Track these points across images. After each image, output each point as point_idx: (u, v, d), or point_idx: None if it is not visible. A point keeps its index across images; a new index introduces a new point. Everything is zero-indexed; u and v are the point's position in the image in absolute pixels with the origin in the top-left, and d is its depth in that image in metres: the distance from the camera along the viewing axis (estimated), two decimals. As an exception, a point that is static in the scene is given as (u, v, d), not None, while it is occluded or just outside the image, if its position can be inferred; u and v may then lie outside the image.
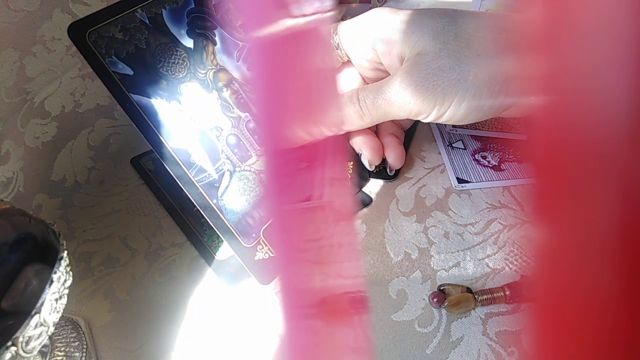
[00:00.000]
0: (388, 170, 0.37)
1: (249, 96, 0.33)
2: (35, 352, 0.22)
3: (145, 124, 0.29)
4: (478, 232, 0.34)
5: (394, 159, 0.36)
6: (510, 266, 0.32)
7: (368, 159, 0.36)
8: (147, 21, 0.29)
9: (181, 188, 0.29)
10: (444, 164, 0.39)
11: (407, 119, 0.39)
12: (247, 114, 0.33)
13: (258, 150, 0.33)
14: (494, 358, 0.27)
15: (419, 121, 0.41)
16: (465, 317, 0.29)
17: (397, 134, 0.37)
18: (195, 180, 0.30)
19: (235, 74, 0.33)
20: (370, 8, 0.55)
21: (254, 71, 0.13)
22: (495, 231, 0.34)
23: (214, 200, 0.30)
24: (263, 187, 0.32)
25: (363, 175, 0.37)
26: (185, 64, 0.31)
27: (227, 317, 0.31)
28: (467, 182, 0.37)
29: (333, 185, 0.18)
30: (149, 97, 0.29)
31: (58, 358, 0.27)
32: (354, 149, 0.37)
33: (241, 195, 0.31)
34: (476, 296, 0.29)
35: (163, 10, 0.30)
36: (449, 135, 0.41)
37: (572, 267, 0.10)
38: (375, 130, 0.38)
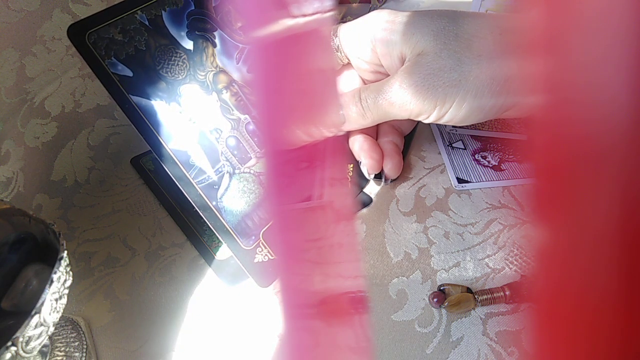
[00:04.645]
0: (383, 180, 0.37)
1: (248, 98, 0.33)
2: (35, 352, 0.22)
3: (144, 126, 0.29)
4: (478, 232, 0.34)
5: (390, 168, 0.36)
6: (510, 266, 0.32)
7: (367, 168, 0.36)
8: (147, 23, 0.29)
9: (180, 189, 0.29)
10: (444, 164, 0.39)
11: (407, 124, 0.39)
12: (246, 116, 0.33)
13: (257, 152, 0.33)
14: (494, 358, 0.27)
15: (417, 126, 0.41)
16: (465, 317, 0.29)
17: (396, 141, 0.37)
18: (195, 182, 0.30)
19: (235, 76, 0.33)
20: (371, 8, 0.56)
21: (254, 72, 0.13)
22: (495, 231, 0.34)
23: (213, 202, 0.30)
24: (263, 187, 0.32)
25: (364, 175, 0.38)
26: (185, 65, 0.31)
27: (227, 317, 0.31)
28: (467, 182, 0.37)
29: (333, 186, 0.18)
30: (149, 99, 0.29)
31: (58, 358, 0.27)
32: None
33: (240, 197, 0.31)
34: (476, 296, 0.29)
35: (163, 12, 0.30)
36: (449, 135, 0.41)
37: (572, 267, 0.10)
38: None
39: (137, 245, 0.35)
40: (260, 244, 0.31)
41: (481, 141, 0.41)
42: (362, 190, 0.37)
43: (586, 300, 0.09)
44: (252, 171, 0.32)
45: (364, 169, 0.36)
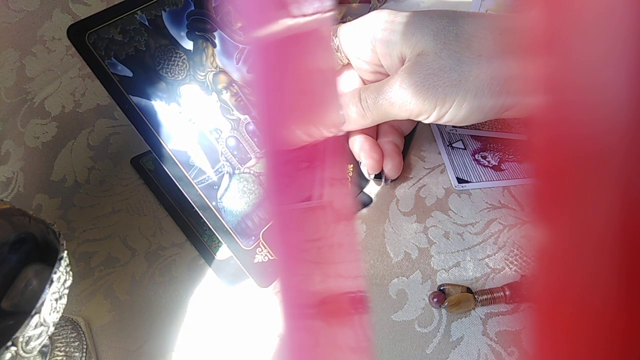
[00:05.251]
0: (383, 180, 0.37)
1: (248, 99, 0.33)
2: (35, 352, 0.22)
3: (144, 126, 0.29)
4: (478, 232, 0.34)
5: (390, 168, 0.36)
6: (510, 266, 0.32)
7: (367, 169, 0.36)
8: (146, 23, 0.29)
9: (180, 189, 0.29)
10: (444, 164, 0.39)
11: (407, 124, 0.39)
12: (246, 116, 0.33)
13: (257, 153, 0.33)
14: (494, 358, 0.27)
15: (417, 126, 0.41)
16: (465, 317, 0.29)
17: (396, 142, 0.37)
18: (195, 182, 0.30)
19: (235, 76, 0.33)
20: (371, 8, 0.56)
21: (254, 72, 0.13)
22: (495, 231, 0.34)
23: (213, 202, 0.30)
24: (263, 188, 0.32)
25: (364, 175, 0.38)
26: (184, 66, 0.31)
27: (227, 317, 0.31)
28: (467, 182, 0.37)
29: (333, 186, 0.18)
30: (148, 99, 0.29)
31: (58, 358, 0.27)
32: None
33: (240, 197, 0.31)
34: (476, 296, 0.29)
35: (163, 12, 0.30)
36: (449, 135, 0.41)
37: (572, 267, 0.10)
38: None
39: (137, 245, 0.35)
40: (260, 244, 0.31)
41: (481, 141, 0.41)
42: (362, 190, 0.37)
43: (586, 300, 0.09)
44: (252, 171, 0.32)
45: (364, 169, 0.36)
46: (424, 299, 0.30)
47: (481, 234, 0.34)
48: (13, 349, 0.20)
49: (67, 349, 0.28)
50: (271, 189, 0.13)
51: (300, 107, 0.17)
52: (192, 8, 0.31)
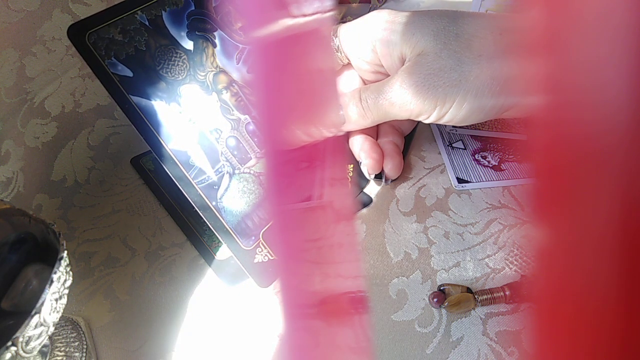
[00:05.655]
0: (383, 180, 0.37)
1: (248, 99, 0.33)
2: (35, 352, 0.22)
3: (144, 126, 0.29)
4: (478, 232, 0.34)
5: (390, 168, 0.36)
6: (510, 266, 0.32)
7: (367, 169, 0.36)
8: (147, 23, 0.29)
9: (180, 189, 0.29)
10: (444, 164, 0.39)
11: (407, 124, 0.39)
12: (246, 116, 0.33)
13: (257, 153, 0.33)
14: (494, 358, 0.27)
15: (417, 126, 0.41)
16: (465, 317, 0.29)
17: (396, 142, 0.37)
18: (195, 182, 0.30)
19: (235, 76, 0.33)
20: (371, 8, 0.56)
21: (254, 72, 0.13)
22: (495, 231, 0.34)
23: (213, 202, 0.30)
24: (263, 188, 0.32)
25: (364, 175, 0.38)
26: (185, 66, 0.31)
27: (227, 317, 0.31)
28: (467, 182, 0.37)
29: (333, 186, 0.18)
30: (149, 99, 0.29)
31: (58, 358, 0.27)
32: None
33: (240, 197, 0.31)
34: (476, 296, 0.29)
35: (163, 12, 0.30)
36: (449, 135, 0.41)
37: (572, 267, 0.10)
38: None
39: (137, 245, 0.35)
40: (260, 244, 0.31)
41: (481, 141, 0.41)
42: (362, 190, 0.37)
43: (587, 300, 0.09)
44: (252, 171, 0.32)
45: (364, 169, 0.36)
46: (424, 299, 0.30)
47: (481, 234, 0.34)
48: (13, 349, 0.20)
49: (67, 349, 0.28)
50: (271, 189, 0.13)
51: (300, 107, 0.17)
52: (192, 8, 0.31)
